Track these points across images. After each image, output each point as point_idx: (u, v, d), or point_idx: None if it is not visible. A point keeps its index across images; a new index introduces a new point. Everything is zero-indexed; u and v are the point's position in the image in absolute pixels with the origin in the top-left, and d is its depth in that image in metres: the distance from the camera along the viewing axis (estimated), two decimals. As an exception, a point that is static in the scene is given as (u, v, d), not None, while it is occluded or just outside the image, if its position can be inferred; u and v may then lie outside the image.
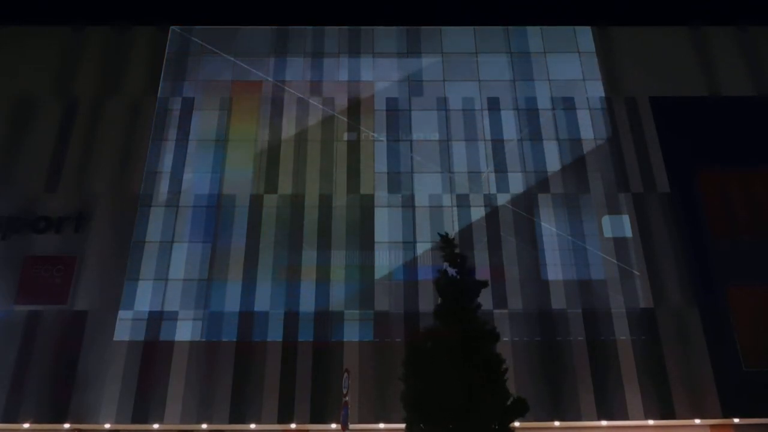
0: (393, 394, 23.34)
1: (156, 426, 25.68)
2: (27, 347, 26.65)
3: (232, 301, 28.02)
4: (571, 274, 28.61)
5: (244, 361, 26.69)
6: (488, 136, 31.97)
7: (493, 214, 30.00)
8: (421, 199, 30.34)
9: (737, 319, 27.32)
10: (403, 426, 18.21)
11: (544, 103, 32.87)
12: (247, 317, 27.69)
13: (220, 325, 27.52)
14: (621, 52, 34.39)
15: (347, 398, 20.03)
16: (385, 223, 29.80)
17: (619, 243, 29.27)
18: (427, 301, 27.49)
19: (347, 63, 34.13)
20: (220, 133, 32.03)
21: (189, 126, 32.15)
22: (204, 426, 25.71)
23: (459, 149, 31.61)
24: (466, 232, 29.50)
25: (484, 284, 19.53)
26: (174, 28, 34.98)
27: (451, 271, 19.59)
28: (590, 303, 28.00)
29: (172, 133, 31.89)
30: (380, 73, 33.78)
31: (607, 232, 29.56)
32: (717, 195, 30.19)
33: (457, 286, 19.20)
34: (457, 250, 19.88)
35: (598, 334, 27.32)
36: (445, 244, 19.80)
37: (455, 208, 30.14)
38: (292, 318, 27.71)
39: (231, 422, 25.68)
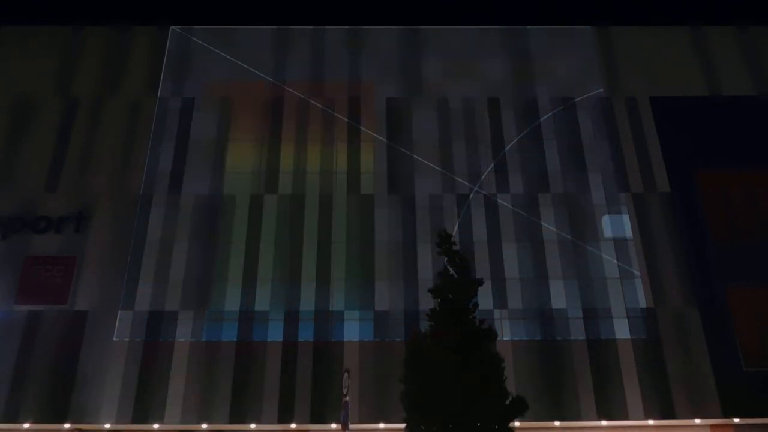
0: (393, 394, 23.28)
1: (156, 426, 25.69)
2: (27, 347, 26.64)
3: (232, 301, 28.02)
4: (571, 274, 28.61)
5: (244, 361, 26.69)
6: (488, 136, 31.96)
7: (493, 214, 30.00)
8: (421, 199, 30.34)
9: (737, 319, 27.31)
10: (403, 426, 18.24)
11: (544, 103, 32.88)
12: (247, 317, 27.69)
13: (220, 325, 27.53)
14: (621, 52, 34.38)
15: (347, 398, 20.05)
16: (385, 223, 29.80)
17: (619, 243, 29.27)
18: (427, 301, 27.39)
19: (347, 63, 34.12)
20: (220, 133, 32.03)
21: (189, 126, 32.15)
22: (204, 426, 25.72)
23: (459, 149, 31.61)
24: (466, 232, 29.50)
25: (479, 282, 19.57)
26: (174, 28, 34.99)
27: (450, 270, 19.61)
28: (590, 303, 28.00)
29: (172, 133, 31.89)
30: (380, 73, 33.78)
31: (607, 232, 29.57)
32: (717, 195, 30.19)
33: (455, 286, 19.21)
34: (455, 248, 19.90)
35: (598, 334, 27.32)
36: (442, 240, 19.82)
37: (455, 208, 30.14)
38: (292, 318, 27.71)
39: (231, 422, 25.69)
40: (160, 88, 33.11)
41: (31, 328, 27.07)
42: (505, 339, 26.63)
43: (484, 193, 30.53)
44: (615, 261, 28.86)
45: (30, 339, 26.82)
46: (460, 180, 30.81)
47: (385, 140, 31.85)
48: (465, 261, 19.80)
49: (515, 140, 31.86)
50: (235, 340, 27.19)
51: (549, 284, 28.41)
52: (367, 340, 27.29)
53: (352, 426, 22.24)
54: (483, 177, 30.90)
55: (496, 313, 27.52)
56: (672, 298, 28.02)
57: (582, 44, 34.77)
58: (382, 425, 25.57)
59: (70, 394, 25.82)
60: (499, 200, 30.33)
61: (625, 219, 29.83)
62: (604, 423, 25.82)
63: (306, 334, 27.38)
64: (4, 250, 28.69)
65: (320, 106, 32.76)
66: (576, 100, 32.96)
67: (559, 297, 28.15)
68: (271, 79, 33.46)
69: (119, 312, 27.59)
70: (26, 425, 25.41)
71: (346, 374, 20.59)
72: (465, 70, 33.81)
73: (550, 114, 32.58)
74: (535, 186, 30.70)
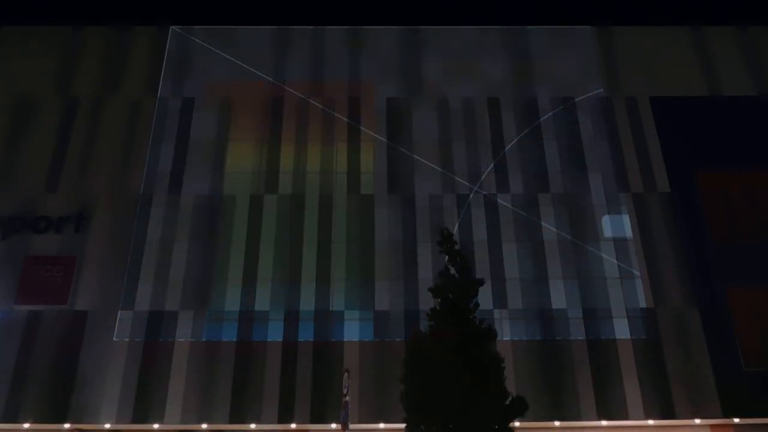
0: (393, 394, 23.26)
1: (156, 426, 25.68)
2: (27, 347, 26.64)
3: (232, 301, 28.02)
4: (571, 274, 28.60)
5: (244, 361, 26.69)
6: (488, 136, 31.96)
7: (493, 214, 29.99)
8: (421, 199, 30.33)
9: (737, 319, 27.31)
10: (403, 426, 18.23)
11: (544, 103, 32.87)
12: (247, 317, 27.69)
13: (220, 325, 27.53)
14: (621, 52, 34.39)
15: (347, 398, 20.06)
16: (385, 223, 29.80)
17: (619, 243, 29.27)
18: (427, 301, 27.39)
19: (347, 63, 34.12)
20: (220, 133, 32.03)
21: (189, 126, 32.15)
22: (204, 426, 25.72)
23: (459, 149, 31.60)
24: (466, 232, 29.50)
25: (480, 282, 19.56)
26: (174, 28, 34.99)
27: (451, 269, 19.61)
28: (590, 303, 28.00)
29: (172, 133, 31.89)
30: (380, 73, 33.77)
31: (607, 232, 29.56)
32: (717, 195, 30.19)
33: (455, 286, 19.20)
34: (457, 247, 19.90)
35: (598, 334, 27.32)
36: (444, 239, 19.82)
37: (455, 208, 30.13)
38: (292, 318, 27.71)
39: (231, 422, 25.68)
40: (160, 88, 33.11)
41: (31, 328, 27.06)
42: (505, 339, 26.63)
43: (484, 193, 30.53)
44: (615, 261, 28.86)
45: (30, 339, 26.82)
46: (460, 180, 30.81)
47: (385, 140, 31.85)
48: (466, 260, 19.79)
49: (515, 140, 31.86)
50: (235, 340, 27.19)
51: (549, 284, 28.41)
52: (367, 340, 27.29)
53: (352, 426, 22.25)
54: (483, 177, 30.90)
55: (496, 313, 27.52)
56: (672, 298, 28.02)
57: (582, 44, 34.77)
58: (382, 425, 25.57)
59: (70, 394, 25.82)
60: (499, 200, 30.33)
61: (625, 219, 29.83)
62: (604, 423, 25.82)
63: (306, 334, 27.38)
64: (4, 250, 28.69)
65: (320, 106, 32.76)
66: (576, 100, 32.96)
67: (559, 297, 28.15)
68: (271, 79, 33.47)
69: (119, 312, 27.59)
70: (26, 425, 25.41)
71: (346, 374, 20.60)
72: (465, 70, 33.80)
73: (550, 114, 32.58)
74: (535, 186, 30.69)
